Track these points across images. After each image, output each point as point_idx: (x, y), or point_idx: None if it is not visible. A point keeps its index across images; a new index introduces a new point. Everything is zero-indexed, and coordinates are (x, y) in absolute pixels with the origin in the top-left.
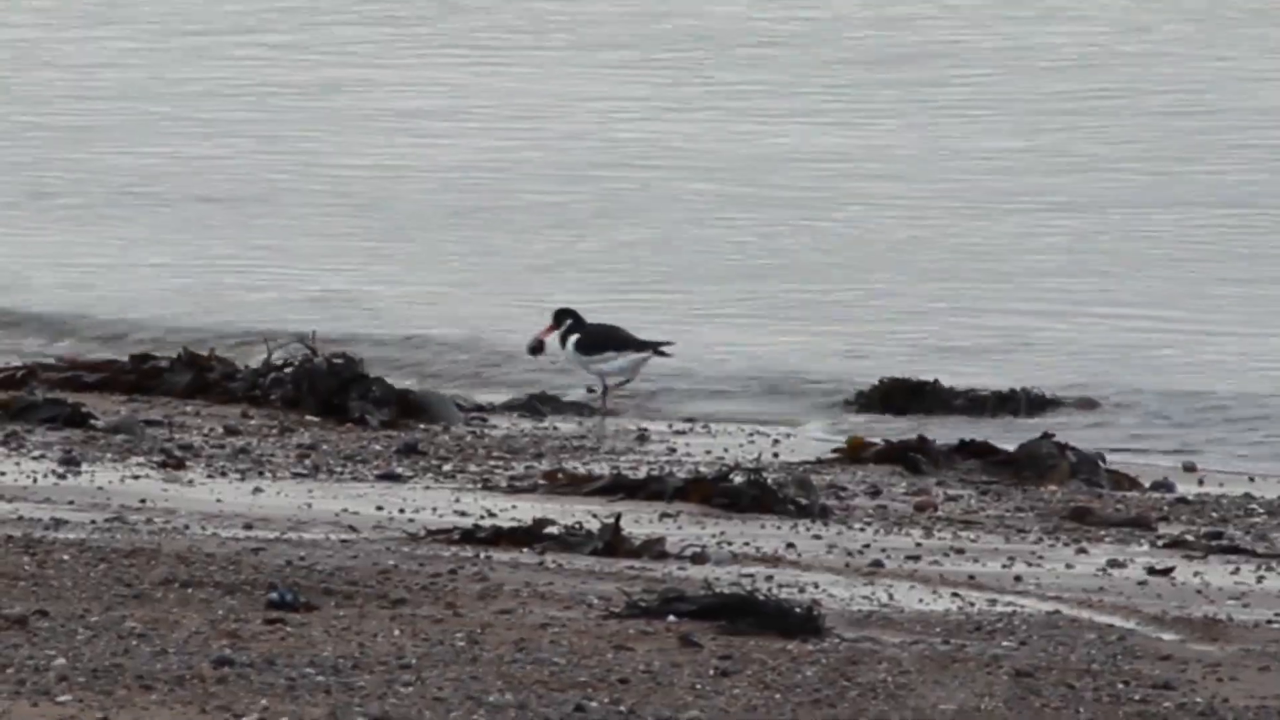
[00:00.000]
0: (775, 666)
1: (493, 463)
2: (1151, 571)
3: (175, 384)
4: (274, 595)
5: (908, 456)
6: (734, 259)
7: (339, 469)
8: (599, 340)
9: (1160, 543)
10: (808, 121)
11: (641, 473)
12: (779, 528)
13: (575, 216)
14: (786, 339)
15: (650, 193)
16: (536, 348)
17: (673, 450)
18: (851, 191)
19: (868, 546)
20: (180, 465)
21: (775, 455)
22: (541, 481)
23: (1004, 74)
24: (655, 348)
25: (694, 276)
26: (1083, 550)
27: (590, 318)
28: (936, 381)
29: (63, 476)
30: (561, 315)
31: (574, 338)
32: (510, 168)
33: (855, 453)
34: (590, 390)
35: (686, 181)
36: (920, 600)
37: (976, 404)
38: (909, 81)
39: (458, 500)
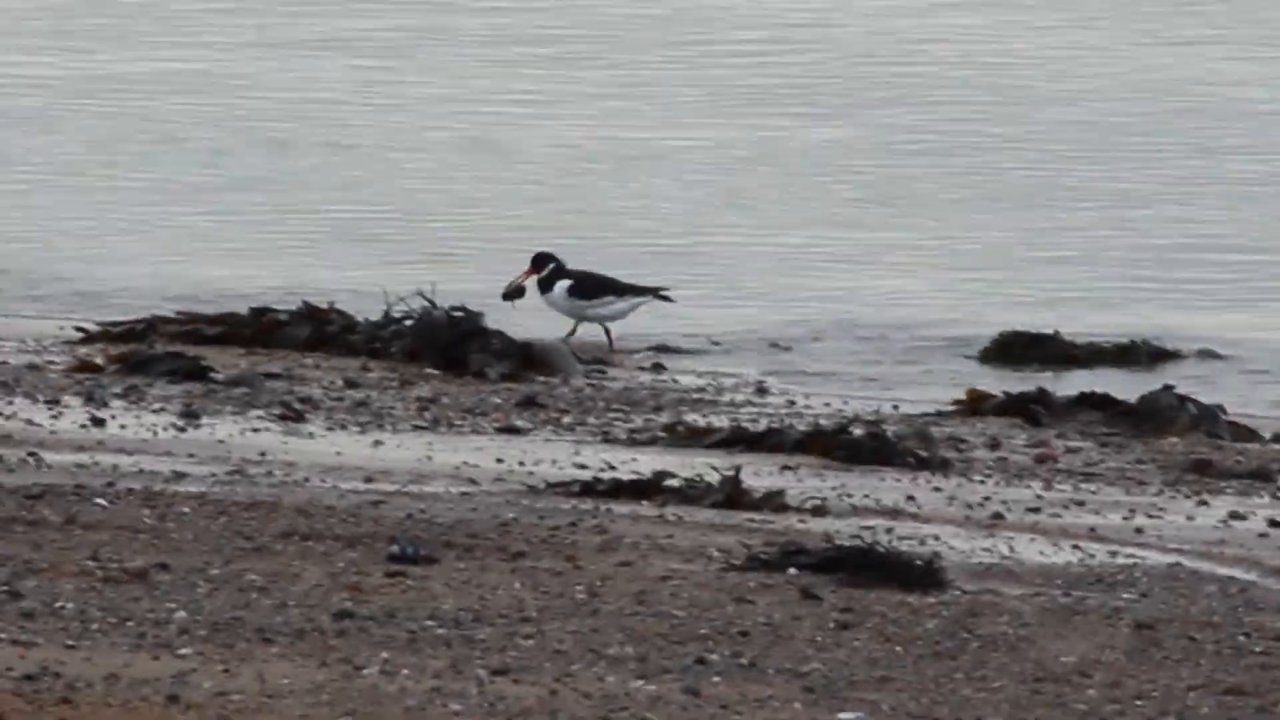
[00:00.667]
0: (896, 619)
1: (612, 415)
2: (1273, 524)
3: (295, 337)
4: (394, 548)
5: (1027, 408)
6: (852, 206)
7: (459, 422)
8: (596, 286)
9: None
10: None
11: (761, 425)
12: (899, 480)
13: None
14: (903, 289)
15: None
16: (514, 293)
17: (792, 403)
18: (978, 132)
19: (988, 499)
20: (300, 418)
21: (895, 408)
22: (661, 434)
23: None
24: (655, 292)
25: (815, 222)
26: (1203, 502)
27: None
28: (1057, 333)
29: (183, 429)
30: (542, 260)
31: (566, 283)
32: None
33: (975, 405)
34: (571, 334)
35: (816, 129)
36: (1041, 552)
37: (1097, 355)
38: None
39: (577, 453)
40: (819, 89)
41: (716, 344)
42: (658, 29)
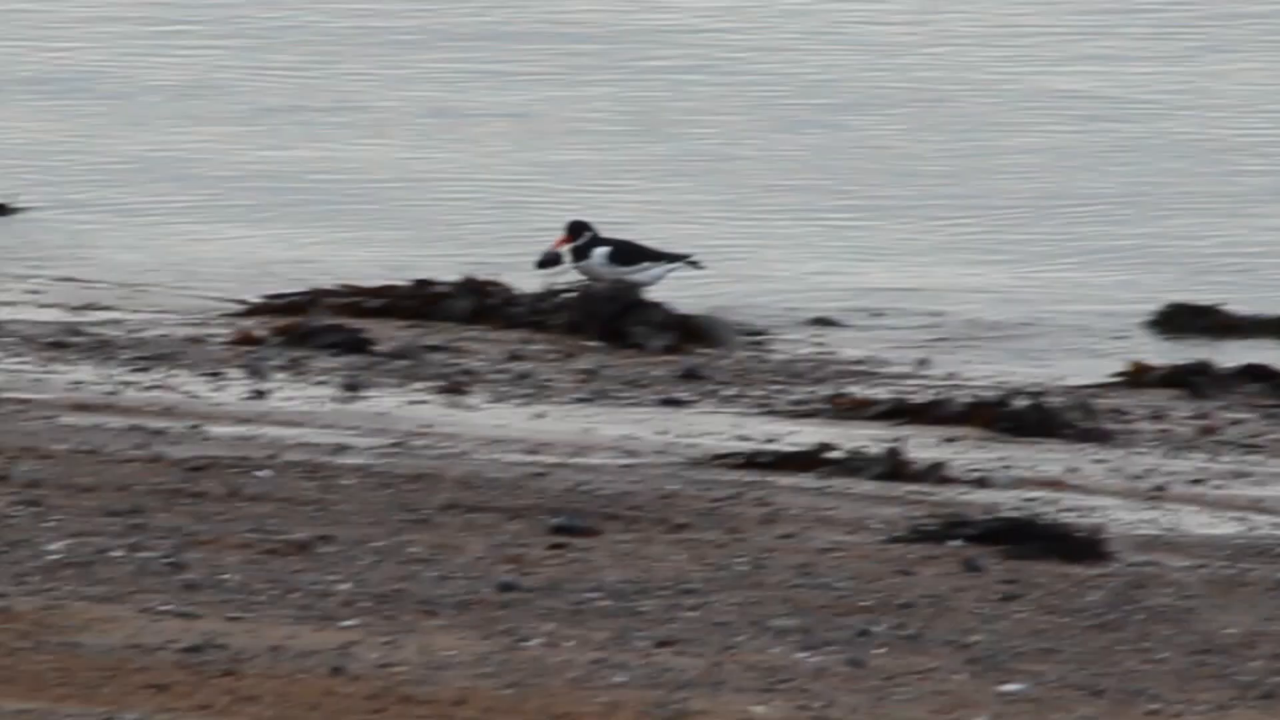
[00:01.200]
0: (1059, 590)
1: (774, 387)
2: None
3: (456, 309)
4: (557, 520)
5: (1190, 380)
6: (1017, 191)
7: (620, 394)
8: (634, 252)
9: None
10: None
11: (923, 397)
12: (1061, 452)
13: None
14: (1067, 269)
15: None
16: (550, 261)
17: (954, 375)
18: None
19: (1151, 470)
20: (462, 390)
21: (1057, 380)
22: (823, 406)
23: None
24: (685, 259)
25: (980, 207)
26: None
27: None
28: (1219, 305)
29: (345, 402)
30: (577, 227)
31: (604, 249)
32: None
33: (1137, 377)
34: None
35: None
36: (1204, 524)
37: (1259, 327)
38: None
39: (739, 425)
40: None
41: (878, 316)
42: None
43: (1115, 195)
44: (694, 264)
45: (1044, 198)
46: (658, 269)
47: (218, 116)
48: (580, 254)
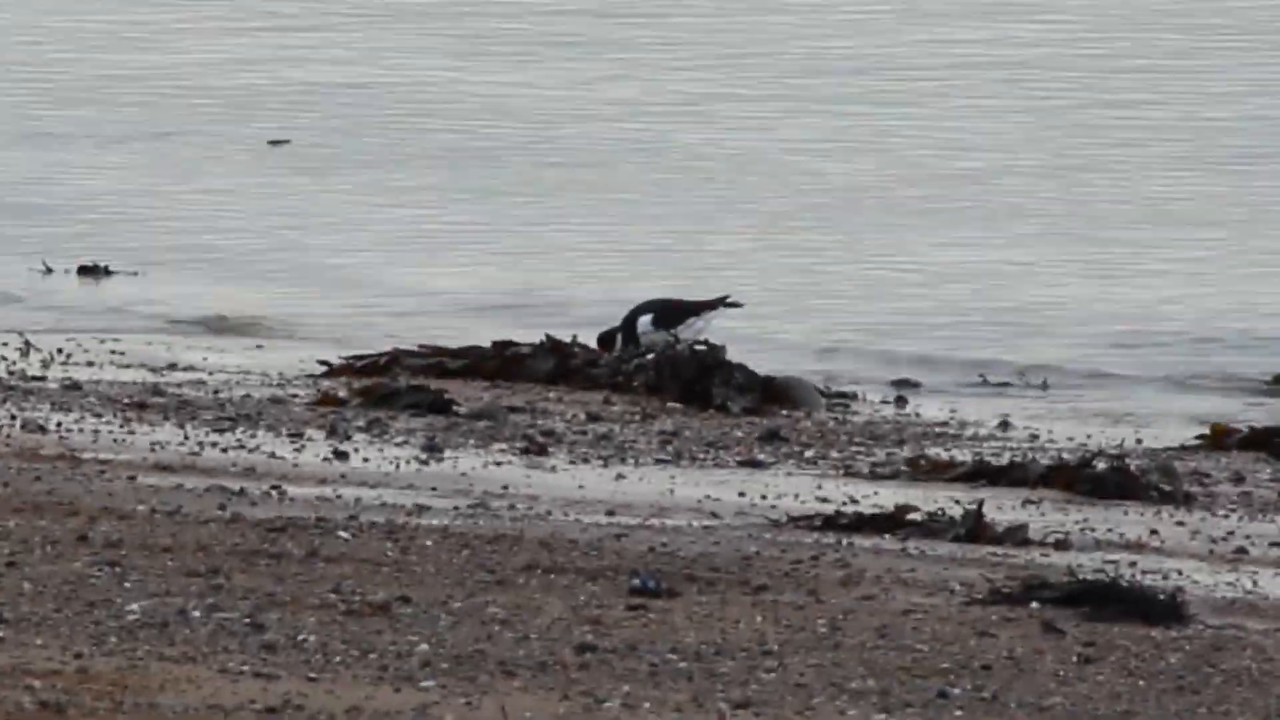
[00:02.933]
0: (1139, 653)
1: (855, 449)
2: None
3: (537, 370)
4: (636, 581)
5: (1272, 443)
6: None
7: (701, 455)
8: (675, 313)
9: None
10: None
11: (1004, 459)
12: (1142, 514)
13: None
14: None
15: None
16: (609, 339)
17: (1035, 436)
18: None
19: (1231, 533)
20: (543, 451)
21: (1139, 441)
22: (904, 468)
23: None
24: (723, 301)
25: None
26: None
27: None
28: None
29: (426, 463)
30: (607, 338)
31: (646, 317)
32: None
33: (1218, 439)
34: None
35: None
36: None
37: None
38: None
39: (819, 486)
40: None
41: (978, 378)
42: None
43: None
44: (733, 304)
45: None
46: (700, 321)
47: None
48: (629, 338)
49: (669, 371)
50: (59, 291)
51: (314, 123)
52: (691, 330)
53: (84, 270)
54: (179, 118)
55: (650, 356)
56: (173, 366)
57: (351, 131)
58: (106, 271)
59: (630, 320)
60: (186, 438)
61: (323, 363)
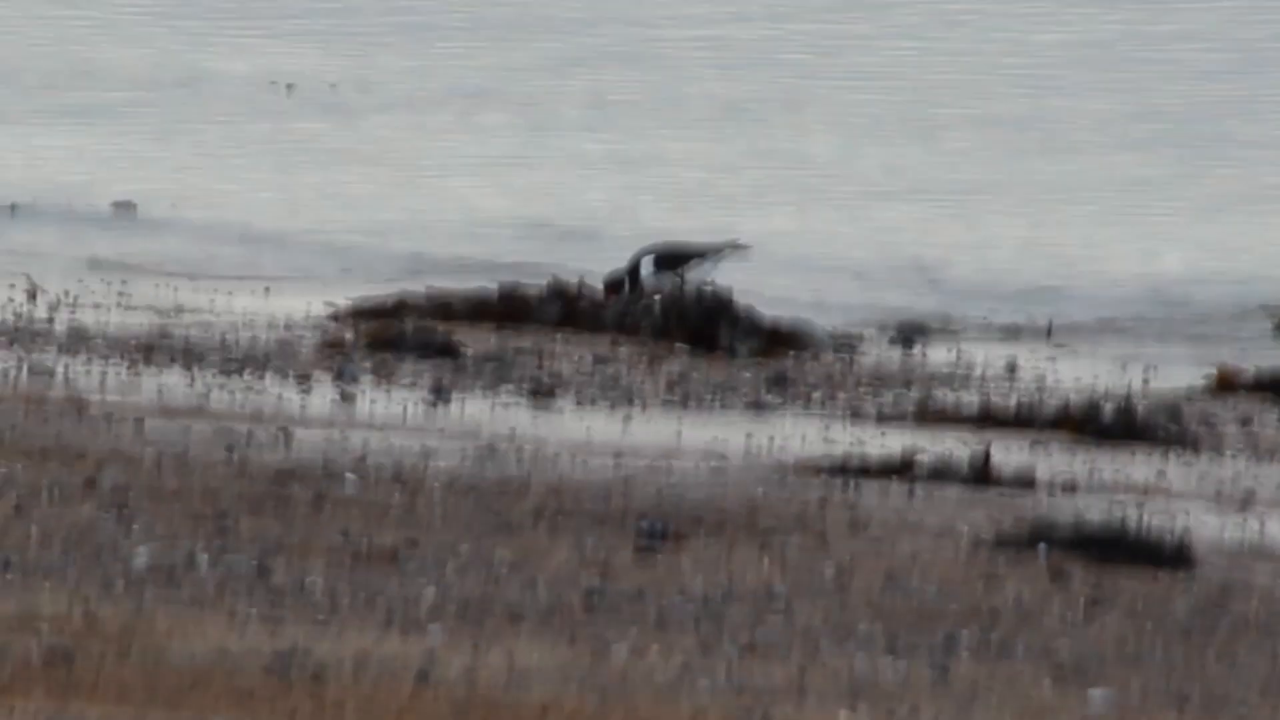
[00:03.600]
0: (1145, 598)
1: (862, 392)
2: None
3: (544, 314)
4: (643, 526)
5: (1279, 387)
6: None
7: (708, 399)
8: (677, 256)
9: None
10: None
11: (1011, 403)
12: (1149, 457)
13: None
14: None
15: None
16: (617, 284)
17: (1042, 379)
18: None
19: (1239, 476)
20: (550, 395)
21: (1145, 384)
22: (911, 411)
23: None
24: (732, 245)
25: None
26: None
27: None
28: None
29: (433, 406)
30: (615, 284)
31: (648, 258)
32: None
33: (1225, 383)
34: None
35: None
36: None
37: None
38: None
39: (826, 430)
40: None
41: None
42: None
43: None
44: (740, 247)
45: None
46: (706, 264)
47: None
48: (636, 283)
49: (676, 315)
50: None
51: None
52: (697, 273)
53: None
54: None
55: (656, 299)
56: (180, 310)
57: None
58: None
59: (635, 264)
60: (193, 382)
61: (329, 305)
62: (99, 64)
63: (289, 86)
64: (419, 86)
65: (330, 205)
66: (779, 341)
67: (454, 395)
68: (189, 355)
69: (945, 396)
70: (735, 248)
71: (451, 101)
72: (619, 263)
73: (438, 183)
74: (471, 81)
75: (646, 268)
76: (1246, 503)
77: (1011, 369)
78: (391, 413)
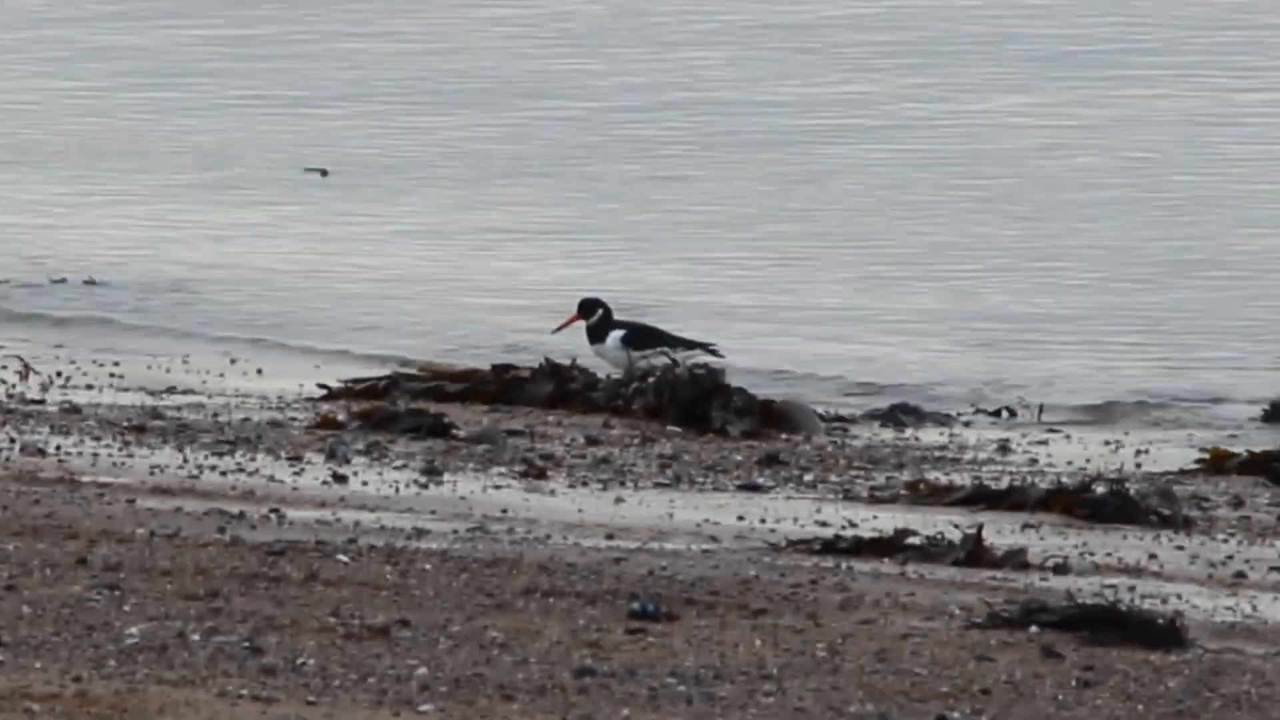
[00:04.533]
0: (1138, 677)
1: (854, 473)
2: None
3: (537, 394)
4: (635, 605)
5: (1271, 467)
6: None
7: (700, 479)
8: (650, 337)
9: None
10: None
11: (1003, 483)
12: (1141, 538)
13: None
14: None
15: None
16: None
17: (1034, 461)
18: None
19: (1231, 558)
20: (542, 475)
21: (1138, 465)
22: (903, 492)
23: None
24: (705, 347)
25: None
26: None
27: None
28: None
29: (425, 486)
30: (590, 306)
31: (620, 332)
32: None
33: (1217, 463)
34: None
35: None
36: None
37: None
38: None
39: (819, 510)
40: None
41: (964, 411)
42: None
43: None
44: (714, 352)
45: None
46: (661, 356)
47: None
48: (596, 335)
49: (668, 395)
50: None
51: None
52: (646, 361)
53: None
54: None
55: (651, 380)
56: (172, 390)
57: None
58: None
59: (601, 328)
60: (186, 461)
61: (322, 386)
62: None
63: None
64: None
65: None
66: (772, 421)
67: (446, 475)
68: (181, 434)
69: (937, 477)
70: (709, 352)
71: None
72: None
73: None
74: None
75: (613, 339)
76: (1238, 583)
77: (1004, 449)
78: (383, 493)
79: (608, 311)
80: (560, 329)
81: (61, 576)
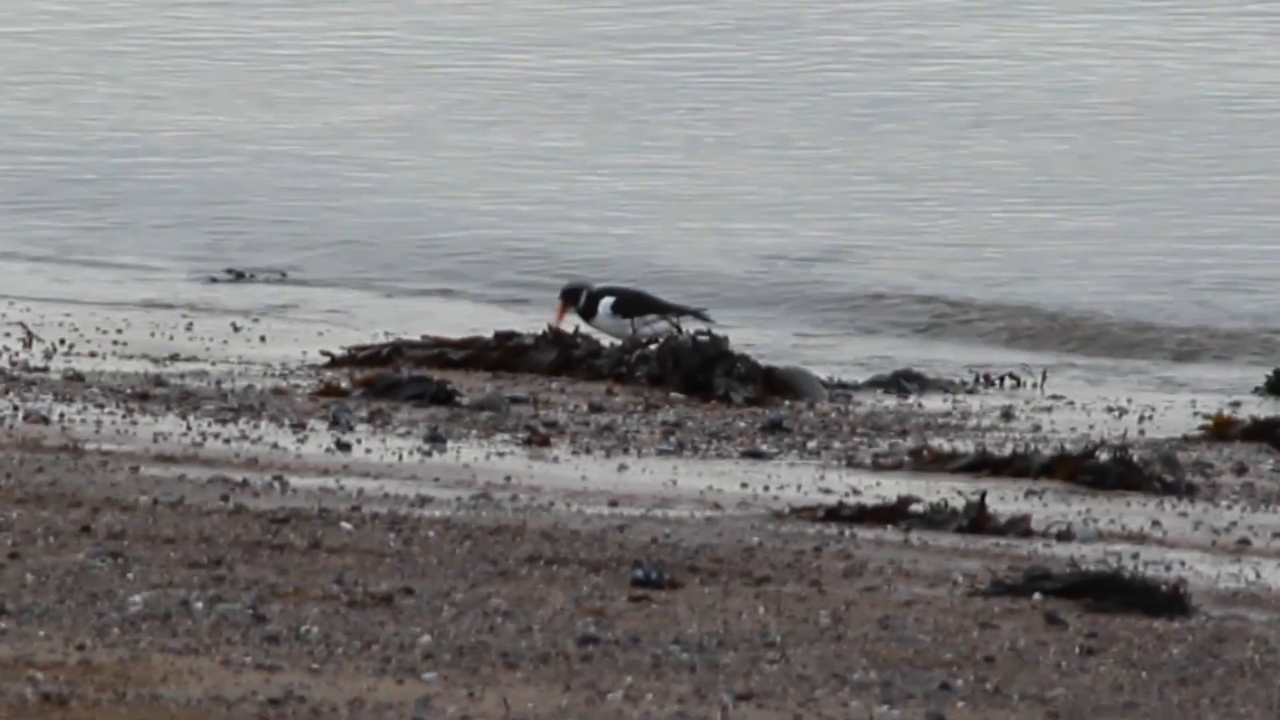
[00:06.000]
0: (1141, 645)
1: (857, 440)
2: None
3: (540, 361)
4: (639, 573)
5: (1275, 434)
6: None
7: (703, 446)
8: (639, 304)
9: None
10: None
11: (1007, 450)
12: (1144, 505)
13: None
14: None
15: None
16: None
17: (1038, 427)
18: None
19: (1234, 524)
20: (545, 442)
21: (1141, 432)
22: (906, 459)
23: None
24: (696, 313)
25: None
26: None
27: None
28: None
29: (428, 454)
30: (572, 293)
31: (610, 300)
32: None
33: (1221, 430)
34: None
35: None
36: None
37: None
38: None
39: (822, 477)
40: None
41: (964, 378)
42: None
43: None
44: (704, 318)
45: None
46: (663, 322)
47: None
48: (588, 313)
49: (671, 362)
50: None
51: None
52: (651, 327)
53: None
54: None
55: (653, 347)
56: (175, 357)
57: None
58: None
59: (591, 304)
60: (189, 428)
61: (325, 353)
62: None
63: None
64: None
65: None
66: (775, 388)
67: (449, 442)
68: (184, 402)
69: (940, 444)
70: (698, 317)
71: None
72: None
73: None
74: None
75: (605, 308)
76: (1241, 550)
77: (1007, 416)
78: (387, 460)
79: (588, 288)
80: (561, 321)
81: (65, 545)
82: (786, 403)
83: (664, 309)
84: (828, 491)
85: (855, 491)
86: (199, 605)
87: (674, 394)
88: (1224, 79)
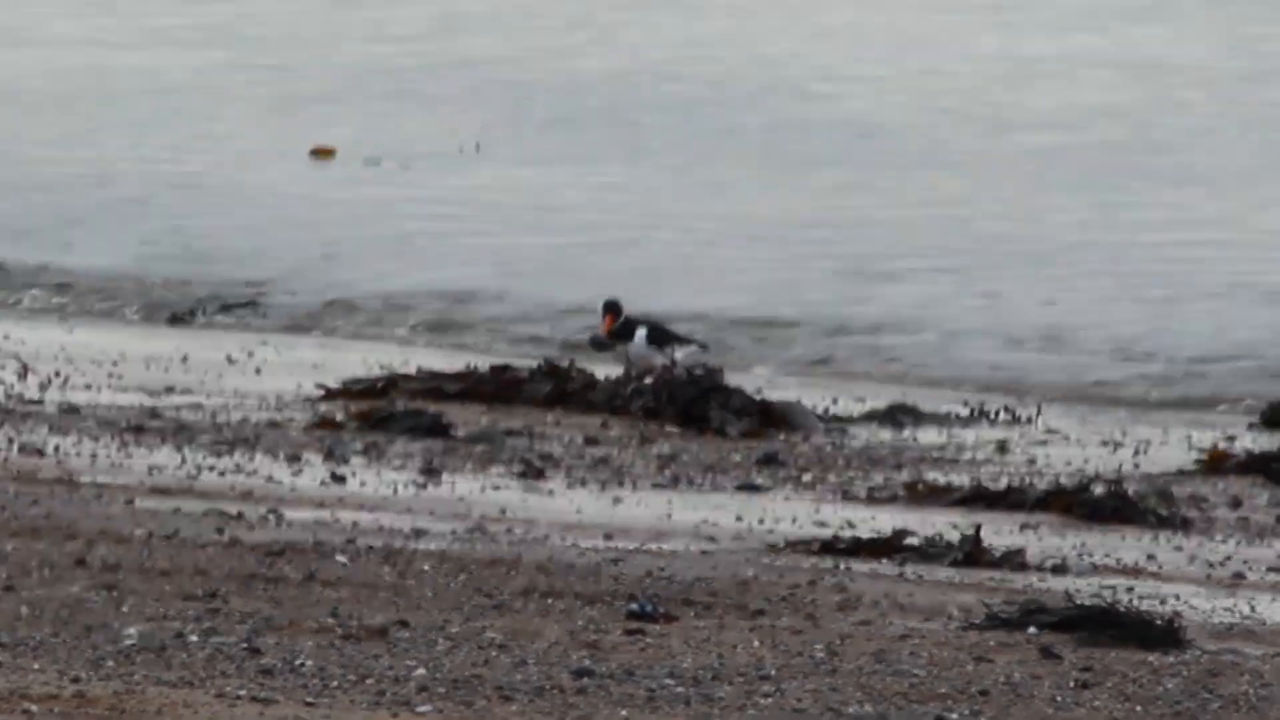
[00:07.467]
0: (1136, 678)
1: (852, 473)
2: None
3: (535, 394)
4: (634, 606)
5: (1269, 468)
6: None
7: (698, 479)
8: (665, 336)
9: None
10: None
11: (1002, 483)
12: (1139, 539)
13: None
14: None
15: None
16: (603, 344)
17: (1032, 461)
18: None
19: (1229, 558)
20: (540, 475)
21: (1136, 466)
22: (901, 492)
23: None
24: (697, 343)
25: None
26: None
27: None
28: None
29: (423, 486)
30: (615, 308)
31: (643, 331)
32: None
33: (1216, 464)
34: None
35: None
36: None
37: None
38: None
39: (817, 510)
40: None
41: (963, 407)
42: None
43: None
44: (704, 347)
45: None
46: (679, 352)
47: None
48: (622, 335)
49: (667, 395)
50: None
51: None
52: (679, 355)
53: None
54: None
55: (648, 381)
56: (170, 389)
57: None
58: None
59: (627, 329)
60: (184, 461)
61: (320, 386)
62: None
63: None
64: None
65: None
66: (770, 421)
67: (444, 475)
68: (179, 435)
69: (935, 477)
70: (701, 347)
71: None
72: None
73: None
74: None
75: (639, 338)
76: (1236, 584)
77: (1002, 449)
78: (382, 493)
79: (628, 322)
80: (599, 339)
81: (60, 577)
82: (782, 436)
83: (682, 340)
84: (823, 525)
85: (850, 525)
86: (194, 638)
87: (669, 427)
88: None
